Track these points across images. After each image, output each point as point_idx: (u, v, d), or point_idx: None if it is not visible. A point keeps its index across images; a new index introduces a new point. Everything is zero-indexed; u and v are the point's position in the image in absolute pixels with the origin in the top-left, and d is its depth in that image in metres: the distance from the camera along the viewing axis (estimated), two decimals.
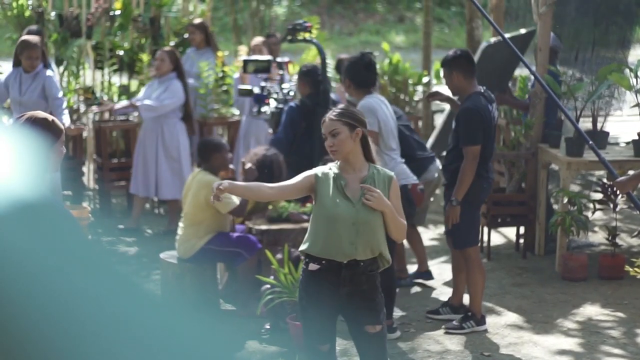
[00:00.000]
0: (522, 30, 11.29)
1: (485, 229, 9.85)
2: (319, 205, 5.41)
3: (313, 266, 5.39)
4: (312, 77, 9.19)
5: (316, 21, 12.97)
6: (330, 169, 5.49)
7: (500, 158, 9.82)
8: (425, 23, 15.03)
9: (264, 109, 9.75)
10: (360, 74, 7.63)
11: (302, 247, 5.46)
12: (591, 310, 8.26)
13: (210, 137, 8.82)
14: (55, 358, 1.43)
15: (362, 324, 5.45)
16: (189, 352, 1.52)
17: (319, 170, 5.50)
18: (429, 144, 10.52)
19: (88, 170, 12.16)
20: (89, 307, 1.46)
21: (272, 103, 9.72)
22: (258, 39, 11.66)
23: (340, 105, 5.74)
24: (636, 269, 6.93)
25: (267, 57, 10.21)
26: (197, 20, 11.99)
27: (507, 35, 10.41)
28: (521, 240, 9.96)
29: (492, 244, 9.94)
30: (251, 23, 17.70)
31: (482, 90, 7.66)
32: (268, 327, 7.72)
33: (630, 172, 7.52)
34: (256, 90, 9.85)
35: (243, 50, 12.61)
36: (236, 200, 8.01)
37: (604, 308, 8.27)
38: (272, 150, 8.58)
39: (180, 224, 8.28)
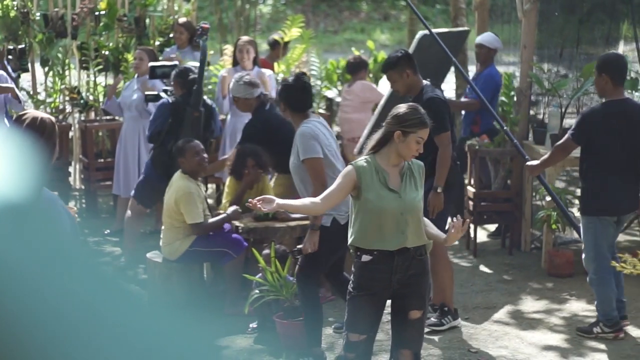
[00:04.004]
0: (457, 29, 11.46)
1: (472, 226, 9.89)
2: (364, 200, 5.52)
3: (365, 257, 5.53)
4: (183, 78, 9.32)
5: (300, 19, 12.99)
6: (368, 162, 5.57)
7: (485, 155, 9.85)
8: (410, 21, 15.07)
9: None
10: (296, 97, 7.29)
11: (351, 240, 5.58)
12: (577, 306, 8.30)
13: (186, 139, 8.69)
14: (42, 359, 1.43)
15: (407, 309, 5.60)
16: (176, 352, 1.52)
17: (356, 164, 5.59)
18: (363, 136, 10.51)
19: (74, 171, 12.13)
20: (75, 308, 1.47)
21: None
22: (245, 39, 11.65)
23: (420, 109, 5.71)
24: (622, 264, 6.95)
25: (173, 62, 10.23)
26: (183, 20, 11.99)
27: (441, 30, 10.53)
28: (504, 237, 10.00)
29: (478, 240, 9.96)
30: (236, 22, 17.68)
31: (429, 82, 7.72)
32: (254, 325, 7.73)
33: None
34: (163, 95, 9.95)
35: (229, 49, 12.60)
36: (201, 219, 8.04)
37: (590, 304, 8.29)
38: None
39: (163, 228, 8.30)
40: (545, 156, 7.87)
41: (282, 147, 8.19)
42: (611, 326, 7.53)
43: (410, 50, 10.44)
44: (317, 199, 5.65)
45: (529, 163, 7.96)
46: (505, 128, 8.75)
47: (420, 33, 10.22)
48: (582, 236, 7.68)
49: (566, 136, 7.67)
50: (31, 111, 5.45)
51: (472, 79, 10.30)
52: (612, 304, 7.55)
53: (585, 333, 7.63)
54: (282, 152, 8.26)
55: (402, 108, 5.66)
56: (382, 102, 10.54)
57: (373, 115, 10.71)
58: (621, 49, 10.07)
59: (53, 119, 5.40)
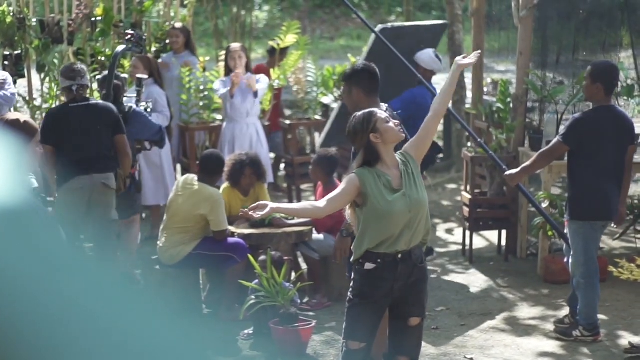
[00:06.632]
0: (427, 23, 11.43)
1: (468, 233, 9.89)
2: (372, 206, 5.48)
3: (369, 265, 5.50)
4: (103, 84, 9.32)
5: (296, 26, 12.98)
6: (367, 169, 5.54)
7: (481, 162, 9.85)
8: None
9: None
10: None
11: (360, 247, 5.52)
12: None
13: (216, 152, 8.82)
14: None
15: (407, 316, 5.60)
16: (172, 357, 1.52)
17: (357, 171, 5.54)
18: (319, 143, 10.43)
19: None
20: (70, 312, 1.47)
21: None
22: (235, 46, 11.61)
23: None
24: (620, 269, 6.95)
25: (124, 75, 10.16)
26: (179, 24, 11.99)
27: (413, 24, 10.40)
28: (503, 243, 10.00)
29: (474, 247, 9.96)
30: (232, 28, 17.68)
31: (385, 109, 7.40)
32: (250, 332, 7.72)
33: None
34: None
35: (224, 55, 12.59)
36: (227, 226, 8.13)
37: None
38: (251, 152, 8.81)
39: (165, 232, 8.25)
40: (527, 163, 7.83)
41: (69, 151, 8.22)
42: (590, 330, 7.57)
43: (366, 50, 10.37)
44: (320, 203, 5.61)
45: (507, 172, 7.92)
46: (479, 140, 8.78)
47: (379, 26, 10.00)
48: (570, 241, 7.69)
49: (554, 141, 7.69)
50: (8, 114, 5.45)
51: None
52: (596, 308, 7.61)
53: (564, 336, 7.66)
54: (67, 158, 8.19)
55: (350, 124, 5.61)
56: (332, 117, 10.38)
57: (323, 132, 10.49)
58: (618, 55, 10.07)
59: (23, 118, 5.37)
